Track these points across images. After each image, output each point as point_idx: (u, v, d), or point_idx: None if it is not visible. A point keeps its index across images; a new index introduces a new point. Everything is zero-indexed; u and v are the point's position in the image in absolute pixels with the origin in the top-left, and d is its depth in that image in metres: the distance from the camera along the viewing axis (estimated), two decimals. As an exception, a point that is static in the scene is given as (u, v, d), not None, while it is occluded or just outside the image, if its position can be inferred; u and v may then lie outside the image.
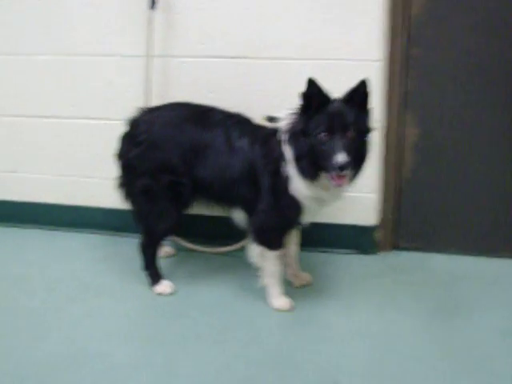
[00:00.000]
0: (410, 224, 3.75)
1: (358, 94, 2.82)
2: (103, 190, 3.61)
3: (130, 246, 3.52)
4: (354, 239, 3.74)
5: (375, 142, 3.45)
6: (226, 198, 3.23)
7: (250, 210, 3.15)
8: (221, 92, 3.59)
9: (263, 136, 3.06)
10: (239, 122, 3.16)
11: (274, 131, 3.01)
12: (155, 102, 3.55)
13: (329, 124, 2.75)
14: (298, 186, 2.94)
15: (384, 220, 3.72)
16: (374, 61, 3.36)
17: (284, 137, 2.95)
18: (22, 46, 3.86)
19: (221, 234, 3.49)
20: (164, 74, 3.66)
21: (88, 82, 3.81)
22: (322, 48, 3.40)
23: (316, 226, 3.50)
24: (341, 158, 2.67)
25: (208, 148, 3.13)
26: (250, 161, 3.06)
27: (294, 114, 2.92)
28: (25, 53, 3.87)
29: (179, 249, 3.85)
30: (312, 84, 2.77)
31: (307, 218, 3.10)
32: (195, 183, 3.20)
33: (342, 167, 2.68)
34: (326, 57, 3.39)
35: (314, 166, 2.84)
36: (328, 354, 2.81)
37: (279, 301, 3.18)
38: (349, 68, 3.18)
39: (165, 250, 3.78)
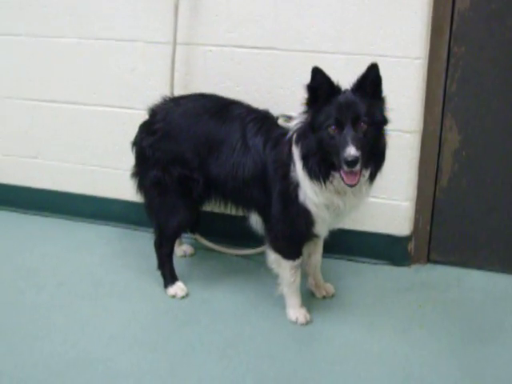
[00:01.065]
0: (445, 236, 3.48)
1: (369, 82, 2.55)
2: (124, 181, 3.46)
3: (148, 242, 3.36)
4: (385, 249, 3.50)
5: (412, 146, 3.26)
6: (240, 199, 3.05)
7: (264, 215, 2.97)
8: (248, 85, 3.39)
9: (276, 136, 2.84)
10: (258, 119, 2.94)
11: (286, 132, 2.78)
12: (179, 92, 3.43)
13: (338, 116, 2.50)
14: (308, 191, 2.69)
15: (418, 230, 3.48)
16: (415, 58, 3.10)
17: (293, 137, 2.71)
18: (45, 28, 3.71)
19: (244, 234, 3.26)
20: (189, 62, 3.48)
21: (111, 68, 3.66)
22: (357, 42, 3.16)
23: (345, 233, 3.33)
24: (348, 151, 2.41)
25: (223, 143, 2.95)
26: (262, 162, 2.85)
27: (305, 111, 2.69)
28: (48, 35, 3.72)
29: (199, 248, 3.68)
30: (318, 74, 2.51)
31: (321, 228, 2.86)
32: (208, 180, 3.03)
33: (350, 162, 2.41)
34: (362, 51, 3.14)
35: (323, 164, 2.58)
36: (343, 378, 2.60)
37: (296, 313, 2.99)
38: (387, 65, 2.92)
39: (183, 248, 3.63)
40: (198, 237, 3.66)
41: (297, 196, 2.74)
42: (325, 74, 2.52)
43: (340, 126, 2.49)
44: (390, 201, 3.37)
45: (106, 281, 3.35)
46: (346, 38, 3.17)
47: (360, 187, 2.66)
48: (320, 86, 2.53)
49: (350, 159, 2.40)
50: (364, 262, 3.54)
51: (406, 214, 3.41)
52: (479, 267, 3.46)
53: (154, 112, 3.12)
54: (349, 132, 2.47)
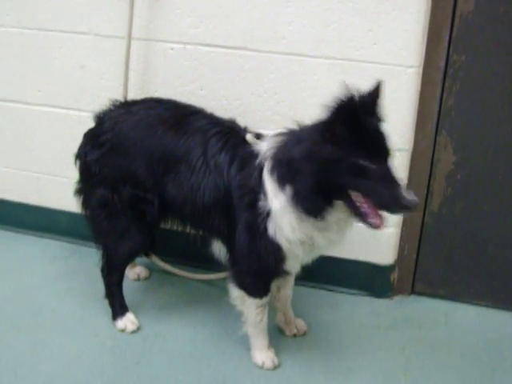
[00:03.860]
0: (433, 266, 3.18)
1: (379, 104, 2.20)
2: (71, 191, 3.05)
3: (98, 260, 2.95)
4: (366, 279, 3.21)
5: (400, 166, 2.92)
6: (200, 226, 2.72)
7: (228, 245, 2.61)
8: (214, 89, 3.03)
9: (243, 156, 2.45)
10: (222, 133, 2.55)
11: (256, 152, 2.40)
12: (135, 94, 3.09)
13: (375, 149, 2.13)
14: (284, 226, 2.32)
15: (402, 259, 3.18)
16: (408, 67, 2.75)
17: (267, 164, 2.33)
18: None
19: (207, 256, 2.86)
20: (146, 61, 3.09)
21: (58, 63, 3.26)
22: (342, 45, 2.80)
23: (320, 259, 2.96)
24: (410, 196, 2.10)
25: (181, 161, 2.56)
26: (225, 186, 2.47)
27: (282, 136, 2.33)
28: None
29: (155, 270, 3.32)
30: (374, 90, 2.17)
31: (293, 265, 2.51)
32: (163, 202, 2.67)
33: (412, 209, 2.12)
34: (347, 57, 2.78)
35: (322, 198, 2.19)
36: None
37: (262, 356, 2.68)
38: (375, 72, 2.62)
39: (136, 271, 3.27)
40: (153, 258, 3.29)
41: (265, 229, 2.36)
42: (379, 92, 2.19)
43: (377, 159, 2.12)
44: (372, 226, 3.02)
45: (46, 309, 3.00)
46: (328, 39, 2.80)
47: (346, 222, 2.33)
48: (361, 109, 2.08)
49: (413, 205, 2.11)
50: (341, 293, 3.22)
51: (390, 241, 3.10)
52: (470, 302, 3.17)
53: (102, 120, 2.73)
54: (391, 170, 2.15)
